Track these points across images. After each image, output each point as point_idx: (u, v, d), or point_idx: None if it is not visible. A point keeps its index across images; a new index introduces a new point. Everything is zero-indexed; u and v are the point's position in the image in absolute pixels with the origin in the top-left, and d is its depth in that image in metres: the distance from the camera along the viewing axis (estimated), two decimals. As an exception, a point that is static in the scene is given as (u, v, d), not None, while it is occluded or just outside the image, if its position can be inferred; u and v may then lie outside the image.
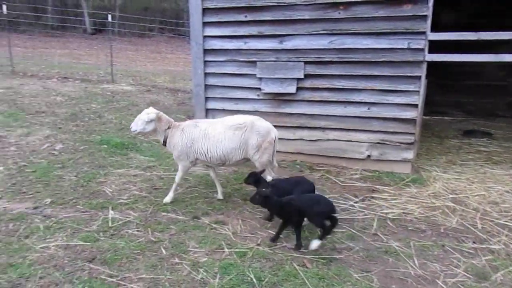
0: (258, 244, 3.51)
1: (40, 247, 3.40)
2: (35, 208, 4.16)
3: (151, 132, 4.39)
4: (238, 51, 5.54)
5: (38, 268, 3.08)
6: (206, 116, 5.90)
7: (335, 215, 3.38)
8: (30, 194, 4.44)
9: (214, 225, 3.88)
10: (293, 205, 3.40)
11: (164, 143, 4.41)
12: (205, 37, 5.59)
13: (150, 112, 4.26)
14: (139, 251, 3.37)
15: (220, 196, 4.50)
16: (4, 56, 12.38)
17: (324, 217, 3.32)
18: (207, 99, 5.84)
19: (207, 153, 4.21)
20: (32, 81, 9.70)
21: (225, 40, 5.55)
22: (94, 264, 3.17)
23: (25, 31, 17.73)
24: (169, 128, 4.36)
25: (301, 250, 3.44)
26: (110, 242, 3.49)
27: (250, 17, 5.36)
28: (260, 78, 5.52)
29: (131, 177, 5.09)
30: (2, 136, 5.99)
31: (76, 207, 4.22)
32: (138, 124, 4.25)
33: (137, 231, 3.74)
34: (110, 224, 3.82)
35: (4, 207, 4.12)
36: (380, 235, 3.75)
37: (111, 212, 4.04)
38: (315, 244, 3.28)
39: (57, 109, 7.49)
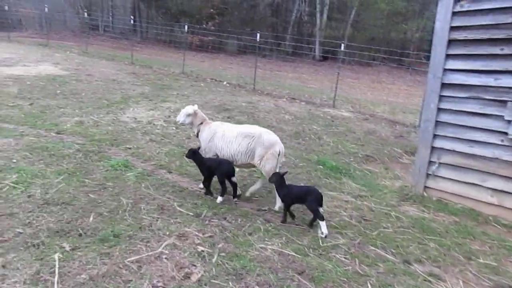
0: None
1: (260, 247, 3.79)
2: (258, 210, 4.70)
3: (189, 125, 5.24)
4: (485, 88, 4.88)
5: (256, 265, 3.43)
6: (431, 155, 5.41)
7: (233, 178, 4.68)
8: (256, 197, 5.06)
9: (428, 277, 3.47)
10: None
11: (197, 135, 5.22)
12: (445, 70, 5.16)
13: (189, 108, 5.13)
14: (345, 279, 3.33)
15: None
16: (250, 75, 14.80)
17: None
18: (435, 136, 5.36)
19: (221, 150, 4.87)
20: (267, 98, 11.19)
21: (470, 74, 4.98)
22: (302, 277, 3.31)
23: (265, 55, 20.81)
24: (201, 123, 5.15)
25: None
26: (319, 261, 3.58)
27: (508, 50, 4.64)
28: (509, 121, 4.69)
29: (342, 202, 5.14)
30: (240, 142, 7.07)
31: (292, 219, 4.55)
32: (181, 116, 5.18)
33: (345, 257, 3.72)
34: (320, 243, 3.94)
35: (236, 203, 4.83)
36: None
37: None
38: (219, 199, 4.67)
39: (284, 126, 8.35)
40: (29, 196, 4.23)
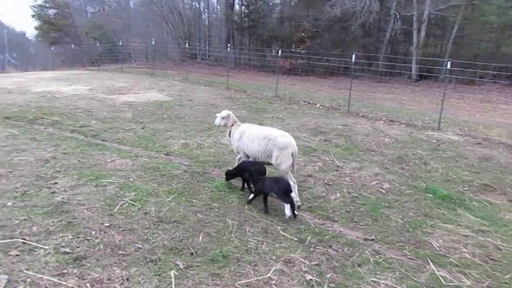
0: None
1: (372, 280, 3.53)
2: (365, 239, 4.43)
3: (223, 127, 6.11)
4: None
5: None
6: None
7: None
8: (361, 225, 4.78)
9: None
10: None
11: (229, 135, 5.99)
12: None
13: (224, 112, 6.04)
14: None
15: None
16: (342, 97, 14.52)
17: None
18: None
19: (246, 148, 5.53)
20: (363, 121, 10.80)
21: None
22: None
23: (357, 76, 20.32)
24: (233, 125, 5.95)
25: None
26: (443, 304, 3.20)
27: None
28: None
29: (461, 236, 4.60)
30: (339, 166, 6.85)
31: (403, 251, 4.18)
32: (218, 119, 6.03)
33: (473, 303, 3.27)
34: (443, 282, 3.53)
35: (340, 230, 4.62)
36: None
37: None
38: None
39: (385, 150, 7.91)
40: (145, 213, 4.53)
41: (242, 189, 5.49)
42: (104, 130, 8.09)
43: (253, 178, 5.24)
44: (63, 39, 36.79)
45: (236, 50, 28.26)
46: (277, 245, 4.08)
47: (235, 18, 29.67)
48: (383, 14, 25.76)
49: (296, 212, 4.82)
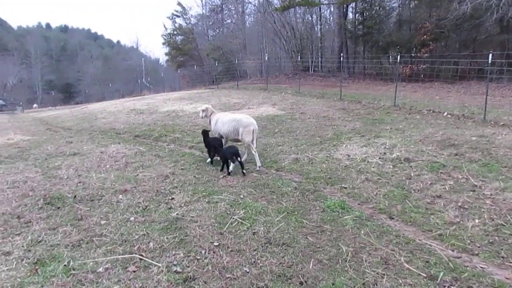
0: None
1: None
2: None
3: (205, 117, 7.88)
4: None
5: None
6: None
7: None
8: (510, 263, 3.82)
9: None
10: None
11: (209, 123, 7.69)
12: None
13: (203, 106, 8.03)
14: None
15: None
16: (475, 104, 12.63)
17: None
18: None
19: (220, 130, 7.30)
20: (504, 131, 9.11)
21: None
22: None
23: (494, 79, 17.57)
24: (211, 115, 7.75)
25: None
26: None
27: None
28: None
29: None
30: (476, 186, 5.76)
31: None
32: (200, 113, 7.91)
33: None
34: None
35: (481, 267, 3.75)
36: None
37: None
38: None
39: None
40: (253, 233, 4.36)
41: (211, 162, 7.25)
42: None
43: (216, 150, 7.05)
44: (188, 62, 40.61)
45: (350, 60, 27.29)
46: (400, 281, 3.47)
47: (349, 27, 28.73)
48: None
49: (245, 172, 6.50)
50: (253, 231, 4.43)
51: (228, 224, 4.58)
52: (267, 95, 17.96)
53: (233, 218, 4.74)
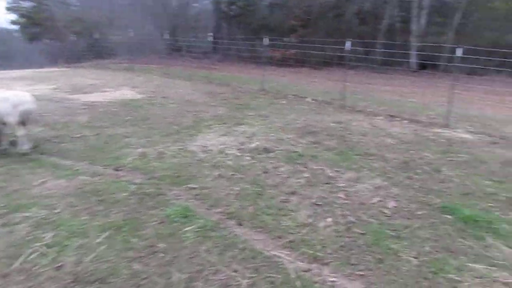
0: None
1: None
2: (365, 298, 3.12)
3: None
4: None
5: None
6: None
7: None
8: (361, 270, 3.45)
9: None
10: None
11: None
12: None
13: None
14: None
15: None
16: (337, 90, 13.14)
17: None
18: None
19: None
20: (360, 117, 9.46)
21: None
22: None
23: (354, 67, 18.89)
24: None
25: None
26: None
27: None
28: None
29: (499, 284, 3.29)
30: (331, 177, 5.51)
31: (423, 318, 2.88)
32: None
33: None
34: None
35: (332, 280, 3.29)
36: None
37: None
38: None
39: (387, 153, 6.58)
40: (57, 268, 3.19)
41: None
42: (47, 140, 6.70)
43: None
44: (46, 35, 34.92)
45: (224, 41, 26.71)
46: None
47: (223, 7, 28.02)
48: (380, 0, 24.28)
49: None
50: (57, 264, 3.26)
51: (22, 258, 3.31)
52: (130, 76, 16.15)
53: (34, 247, 3.48)
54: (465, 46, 8.95)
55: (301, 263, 3.52)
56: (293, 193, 4.94)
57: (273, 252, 3.64)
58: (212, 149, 6.47)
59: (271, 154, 6.31)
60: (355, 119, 9.09)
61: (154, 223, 4.04)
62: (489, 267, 3.54)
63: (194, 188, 4.97)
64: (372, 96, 12.93)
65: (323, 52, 21.75)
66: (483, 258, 3.69)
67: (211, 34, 19.17)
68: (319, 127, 8.06)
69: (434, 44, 19.94)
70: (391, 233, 4.09)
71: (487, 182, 5.59)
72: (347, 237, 4.00)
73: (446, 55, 18.23)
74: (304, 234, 4.01)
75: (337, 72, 20.51)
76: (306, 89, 13.85)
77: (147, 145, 6.58)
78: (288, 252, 3.68)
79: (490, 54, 15.37)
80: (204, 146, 6.60)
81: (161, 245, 3.63)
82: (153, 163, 5.77)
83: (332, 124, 8.37)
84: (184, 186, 5.01)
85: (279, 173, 5.54)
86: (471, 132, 8.33)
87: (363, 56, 18.08)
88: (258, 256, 3.56)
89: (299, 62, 22.26)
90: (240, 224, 4.16)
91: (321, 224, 4.22)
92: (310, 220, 4.29)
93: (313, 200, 4.75)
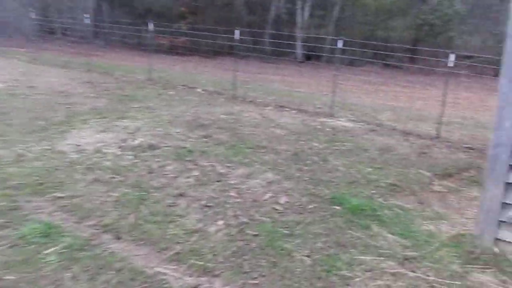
0: None
1: None
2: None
3: None
4: None
5: None
6: (506, 195, 3.70)
7: None
8: (254, 279, 3.18)
9: None
10: None
11: None
12: (530, 70, 3.47)
13: None
14: None
15: None
16: (228, 80, 12.90)
17: None
18: (511, 168, 3.65)
19: None
20: (250, 107, 9.36)
21: None
22: None
23: (244, 56, 18.94)
24: None
25: None
26: None
27: None
28: None
29: (388, 275, 3.35)
30: (222, 174, 5.20)
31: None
32: None
33: None
34: None
35: (222, 294, 2.96)
36: None
37: None
38: None
39: (277, 145, 6.53)
40: None
41: None
42: None
43: None
44: None
45: (106, 25, 24.46)
46: None
47: (103, -13, 25.66)
48: (266, -9, 24.79)
49: None
50: None
51: None
52: (-12, 61, 13.64)
53: None
54: (344, 39, 9.42)
55: (189, 278, 3.11)
56: (181, 195, 4.48)
57: (157, 269, 3.16)
58: (87, 148, 5.61)
59: (157, 152, 5.73)
60: (246, 110, 8.95)
61: (3, 247, 3.21)
62: (377, 258, 3.60)
63: (61, 198, 4.17)
64: (262, 86, 13.05)
65: (213, 41, 21.40)
66: (371, 249, 3.75)
67: (87, 16, 17.17)
68: (210, 119, 7.70)
69: (317, 36, 21.18)
70: (284, 231, 3.93)
71: (369, 169, 5.88)
72: (240, 240, 3.72)
73: (328, 46, 19.54)
74: (193, 243, 3.60)
75: (228, 61, 20.41)
76: (196, 79, 13.35)
77: (1, 146, 5.40)
78: (175, 267, 3.24)
79: (364, 46, 16.83)
80: (78, 145, 5.69)
81: (10, 278, 2.86)
82: (7, 168, 4.72)
83: (223, 116, 8.08)
84: (48, 196, 4.17)
85: (165, 173, 5.02)
86: (352, 120, 8.86)
87: (253, 46, 18.26)
88: (138, 276, 3.04)
89: (189, 50, 21.56)
90: (118, 238, 3.57)
91: (212, 228, 3.87)
92: (199, 225, 3.89)
93: (203, 202, 4.36)
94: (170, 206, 4.21)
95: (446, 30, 22.52)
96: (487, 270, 3.56)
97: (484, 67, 17.71)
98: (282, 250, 3.60)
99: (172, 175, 4.96)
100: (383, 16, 22.18)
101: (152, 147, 5.85)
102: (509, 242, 3.80)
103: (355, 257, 3.58)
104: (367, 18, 22.43)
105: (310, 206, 4.53)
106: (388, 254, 3.69)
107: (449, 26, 22.51)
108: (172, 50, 21.37)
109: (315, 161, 6.00)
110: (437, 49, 13.14)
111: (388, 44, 19.01)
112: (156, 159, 5.44)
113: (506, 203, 3.74)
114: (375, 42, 12.65)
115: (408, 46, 21.59)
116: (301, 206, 4.51)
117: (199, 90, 11.13)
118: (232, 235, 3.80)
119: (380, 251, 3.73)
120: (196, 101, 9.46)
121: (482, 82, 17.78)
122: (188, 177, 4.96)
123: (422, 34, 23.20)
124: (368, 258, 3.59)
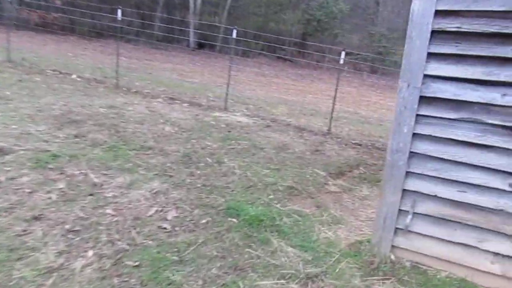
0: None
1: None
2: None
3: None
4: (486, 107, 3.24)
5: None
6: (402, 202, 3.64)
7: None
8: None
9: None
10: None
11: None
12: (426, 76, 3.38)
13: None
14: None
15: None
16: (111, 66, 11.48)
17: None
18: (408, 174, 3.59)
19: None
20: (136, 99, 8.33)
21: (465, 86, 3.29)
22: None
23: (130, 40, 17.27)
24: None
25: None
26: None
27: (526, 51, 3.06)
28: (523, 157, 3.16)
29: (292, 302, 2.98)
30: (97, 184, 4.30)
31: None
32: None
33: None
34: None
35: None
36: None
37: None
38: None
39: (167, 146, 5.78)
40: None
41: None
42: None
43: None
44: None
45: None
46: None
47: None
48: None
49: None
50: None
51: None
52: None
53: None
54: (238, 29, 8.99)
55: None
56: (37, 218, 3.49)
57: None
58: None
59: (9, 157, 4.51)
60: (130, 102, 7.91)
61: None
62: (279, 281, 3.21)
63: None
64: (151, 74, 11.94)
65: (95, 20, 19.13)
66: (272, 271, 3.34)
67: None
68: (85, 113, 6.53)
69: (210, 23, 20.53)
70: (172, 257, 3.29)
71: (266, 170, 5.55)
72: (116, 276, 2.97)
73: (221, 35, 19.04)
74: (50, 287, 2.73)
75: (113, 45, 18.50)
76: (72, 63, 11.59)
77: None
78: (18, 330, 2.36)
79: (257, 38, 16.76)
80: None
81: None
82: None
83: (102, 110, 6.96)
84: None
85: (17, 188, 3.92)
86: (247, 115, 8.51)
87: (142, 29, 16.73)
88: None
89: (66, 30, 18.93)
90: None
91: (77, 263, 3.03)
92: (60, 261, 3.02)
93: (68, 226, 3.45)
94: (19, 235, 3.22)
95: (331, 27, 23.90)
96: (386, 281, 3.46)
97: (362, 64, 19.25)
98: (169, 284, 2.97)
99: (27, 190, 3.89)
100: (275, 8, 22.53)
101: (2, 151, 4.60)
102: (405, 249, 3.79)
103: (256, 283, 3.13)
104: (259, 9, 22.53)
105: (203, 221, 3.95)
106: (290, 274, 3.32)
107: (334, 23, 23.93)
108: (44, 28, 18.50)
109: (209, 164, 5.44)
110: (323, 45, 13.68)
111: (280, 37, 19.34)
112: (7, 168, 4.25)
113: (403, 210, 3.69)
114: (267, 34, 12.50)
115: (298, 40, 22.35)
116: (192, 222, 3.91)
117: (74, 76, 9.57)
118: (105, 269, 3.02)
119: (282, 271, 3.35)
120: (69, 91, 8.04)
121: (361, 78, 19.32)
122: (49, 192, 3.94)
123: (310, 29, 24.24)
124: (269, 283, 3.18)
